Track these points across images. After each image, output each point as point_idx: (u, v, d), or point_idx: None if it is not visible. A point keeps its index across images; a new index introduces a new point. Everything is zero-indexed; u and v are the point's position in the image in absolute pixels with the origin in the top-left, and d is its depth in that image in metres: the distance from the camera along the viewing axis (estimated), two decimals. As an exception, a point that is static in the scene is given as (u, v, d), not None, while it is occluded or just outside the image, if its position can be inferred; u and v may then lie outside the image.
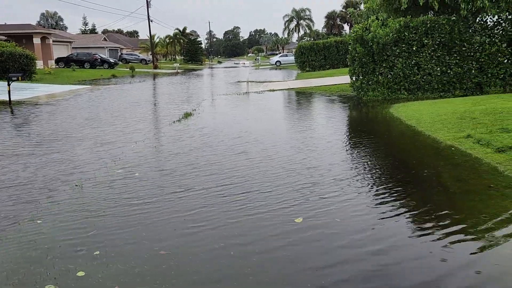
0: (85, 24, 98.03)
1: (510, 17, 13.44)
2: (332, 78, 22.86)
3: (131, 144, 8.39)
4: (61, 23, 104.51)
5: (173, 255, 3.68)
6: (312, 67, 35.25)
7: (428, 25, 13.99)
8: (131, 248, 3.82)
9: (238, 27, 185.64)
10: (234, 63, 78.37)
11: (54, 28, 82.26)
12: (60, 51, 45.54)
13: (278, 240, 3.89)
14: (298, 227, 4.15)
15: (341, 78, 21.26)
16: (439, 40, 13.93)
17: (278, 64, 53.82)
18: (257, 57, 77.91)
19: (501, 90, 13.61)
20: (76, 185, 5.70)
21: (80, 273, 3.38)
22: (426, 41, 14.06)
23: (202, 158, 7.10)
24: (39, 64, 37.59)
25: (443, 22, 13.85)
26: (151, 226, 4.30)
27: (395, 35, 14.21)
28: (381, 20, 15.35)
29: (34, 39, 38.45)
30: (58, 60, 41.87)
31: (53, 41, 43.12)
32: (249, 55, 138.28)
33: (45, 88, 22.21)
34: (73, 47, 50.38)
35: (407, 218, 4.30)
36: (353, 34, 15.22)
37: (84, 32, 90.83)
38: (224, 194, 5.18)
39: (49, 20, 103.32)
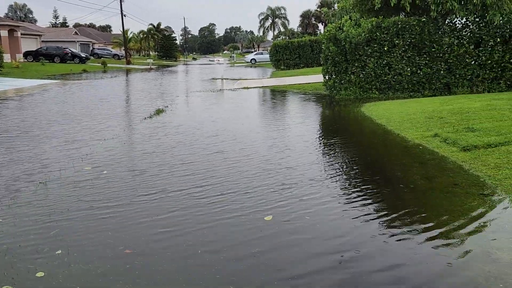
0: (56, 17, 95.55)
1: (477, 19, 13.83)
2: (306, 77, 23.02)
3: (101, 141, 8.20)
4: (30, 16, 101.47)
5: (138, 255, 3.59)
6: (287, 66, 35.44)
7: (399, 26, 14.24)
8: (95, 248, 3.72)
9: (213, 24, 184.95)
10: (209, 60, 77.87)
11: (23, 21, 79.67)
12: (29, 45, 44.19)
13: (250, 245, 3.76)
14: (273, 231, 4.10)
15: (315, 77, 21.42)
16: (409, 40, 14.20)
17: (253, 62, 53.82)
18: (233, 55, 77.66)
19: (468, 91, 13.99)
20: (40, 183, 5.53)
21: (40, 274, 3.26)
22: (397, 41, 14.31)
23: (176, 157, 6.93)
24: (6, 58, 36.35)
25: (414, 23, 14.12)
26: (118, 228, 4.18)
27: (367, 35, 14.40)
28: (354, 20, 15.53)
29: (1, 31, 37.18)
30: (26, 54, 40.60)
31: (21, 34, 41.79)
32: (224, 52, 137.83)
33: (12, 82, 21.50)
34: (42, 41, 48.98)
35: (373, 216, 4.35)
36: (326, 33, 15.35)
37: (54, 25, 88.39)
38: (199, 196, 4.99)
39: (18, 12, 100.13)
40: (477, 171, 5.57)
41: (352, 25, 14.88)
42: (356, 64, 14.83)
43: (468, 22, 14.05)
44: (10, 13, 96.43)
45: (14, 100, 15.26)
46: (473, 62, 13.97)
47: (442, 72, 14.19)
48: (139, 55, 79.62)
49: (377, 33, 14.39)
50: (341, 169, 6.11)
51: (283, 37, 77.16)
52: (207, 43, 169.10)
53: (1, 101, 14.85)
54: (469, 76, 14.01)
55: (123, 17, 50.10)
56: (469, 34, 13.97)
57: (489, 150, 6.28)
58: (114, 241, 3.85)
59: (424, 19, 14.13)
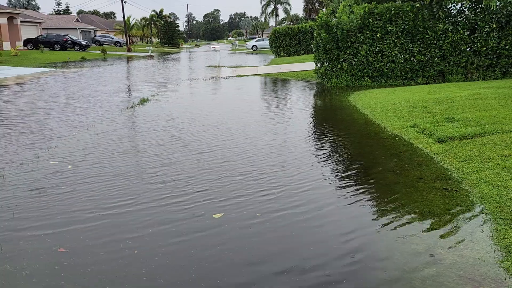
0: (59, 4, 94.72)
1: (473, 5, 13.45)
2: (303, 64, 22.71)
3: (78, 135, 8.10)
4: (33, 3, 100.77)
5: (71, 253, 3.49)
6: (287, 52, 35.01)
7: (393, 12, 13.88)
8: (30, 247, 3.61)
9: (218, 10, 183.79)
10: (209, 47, 76.88)
11: (26, 8, 79.27)
12: (29, 32, 44.08)
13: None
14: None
15: (311, 64, 21.08)
16: (403, 27, 13.86)
17: (254, 48, 53.33)
18: (235, 41, 77.04)
19: (462, 78, 13.67)
20: (-2, 176, 5.44)
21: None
22: (390, 28, 13.97)
23: (157, 156, 6.27)
24: (6, 46, 36.33)
25: (407, 9, 13.76)
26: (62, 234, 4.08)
27: (359, 22, 14.07)
28: (348, 5, 15.17)
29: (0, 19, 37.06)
30: (26, 42, 40.52)
31: (21, 21, 41.63)
32: (229, 38, 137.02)
33: (4, 71, 21.43)
34: (43, 28, 48.82)
35: (325, 211, 4.21)
36: (318, 20, 15.04)
37: (57, 12, 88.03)
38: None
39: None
40: (447, 164, 5.39)
41: (345, 11, 14.54)
42: (348, 52, 14.54)
43: (463, 7, 13.68)
44: (13, 0, 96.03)
45: None
46: (468, 49, 13.63)
47: (436, 59, 13.87)
48: (142, 42, 79.31)
49: (370, 20, 14.05)
50: (310, 161, 5.94)
51: (287, 23, 76.28)
52: (211, 30, 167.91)
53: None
54: (464, 64, 13.69)
55: (124, 3, 49.73)
56: (464, 20, 13.60)
57: (463, 142, 6.09)
58: (51, 239, 3.75)
59: (418, 5, 13.77)
